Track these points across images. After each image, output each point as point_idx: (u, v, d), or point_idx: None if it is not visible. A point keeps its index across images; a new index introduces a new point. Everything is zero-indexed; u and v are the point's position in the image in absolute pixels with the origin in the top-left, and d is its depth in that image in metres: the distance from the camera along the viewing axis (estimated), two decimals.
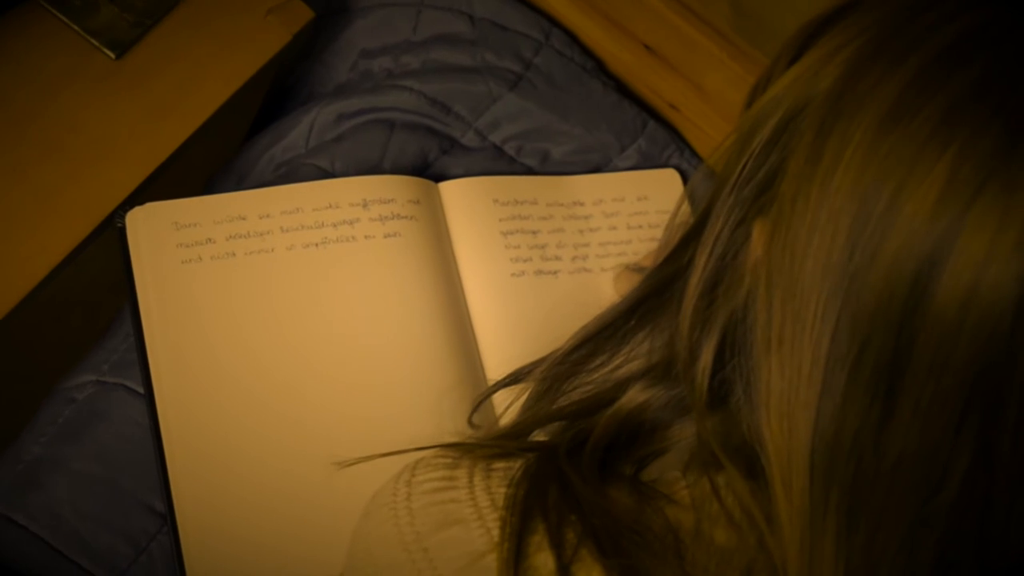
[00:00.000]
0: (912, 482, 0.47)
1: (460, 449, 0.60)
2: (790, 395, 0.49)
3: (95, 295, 0.97)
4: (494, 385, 0.73)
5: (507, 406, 0.72)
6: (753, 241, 0.54)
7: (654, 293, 0.61)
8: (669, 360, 0.59)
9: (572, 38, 1.06)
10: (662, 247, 0.65)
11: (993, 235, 0.44)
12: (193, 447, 0.81)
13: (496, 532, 0.54)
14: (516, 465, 0.57)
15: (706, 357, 0.55)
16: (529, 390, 0.68)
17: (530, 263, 0.94)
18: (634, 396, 0.60)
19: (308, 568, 0.79)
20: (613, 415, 0.60)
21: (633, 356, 0.62)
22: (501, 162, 1.00)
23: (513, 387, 0.71)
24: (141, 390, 0.85)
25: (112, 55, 0.93)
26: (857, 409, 0.47)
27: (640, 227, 0.99)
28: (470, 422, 0.80)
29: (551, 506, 0.54)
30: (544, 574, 0.52)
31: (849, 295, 0.46)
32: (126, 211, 0.87)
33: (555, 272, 0.94)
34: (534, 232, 0.95)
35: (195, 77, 0.95)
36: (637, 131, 1.03)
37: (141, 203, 0.88)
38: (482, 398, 0.76)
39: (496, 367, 0.87)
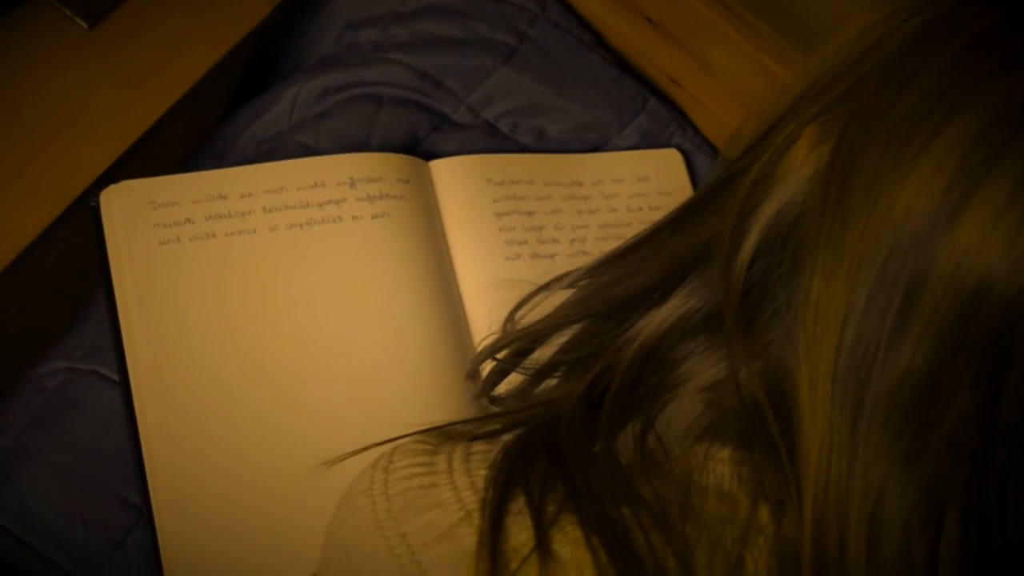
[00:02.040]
0: (910, 406, 0.49)
1: (440, 435, 0.61)
2: (826, 297, 0.51)
3: (67, 280, 0.97)
4: (523, 299, 0.73)
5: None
6: (803, 145, 0.56)
7: (707, 195, 0.63)
8: (706, 265, 0.60)
9: (569, 9, 1.07)
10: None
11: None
12: (170, 437, 0.82)
13: (476, 515, 0.55)
14: (496, 447, 0.59)
15: (746, 250, 0.57)
16: (561, 302, 0.69)
17: (526, 246, 0.94)
18: (668, 312, 0.62)
19: (290, 561, 0.79)
20: (641, 344, 0.62)
21: (665, 269, 0.63)
22: (495, 139, 1.01)
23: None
24: (116, 377, 0.85)
25: (85, 25, 0.93)
26: (876, 315, 0.49)
27: (640, 209, 1.00)
28: (470, 378, 0.80)
29: (534, 479, 0.56)
30: (520, 542, 0.53)
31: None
32: (100, 190, 0.87)
33: (552, 256, 0.95)
34: (530, 213, 0.96)
35: (172, 49, 0.96)
36: (638, 108, 1.04)
37: (116, 181, 0.88)
38: (505, 341, 0.75)
39: (478, 344, 0.87)
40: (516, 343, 0.72)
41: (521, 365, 0.72)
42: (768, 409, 0.55)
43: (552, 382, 0.69)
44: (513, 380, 0.74)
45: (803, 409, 0.52)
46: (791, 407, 0.54)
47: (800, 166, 0.56)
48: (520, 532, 0.54)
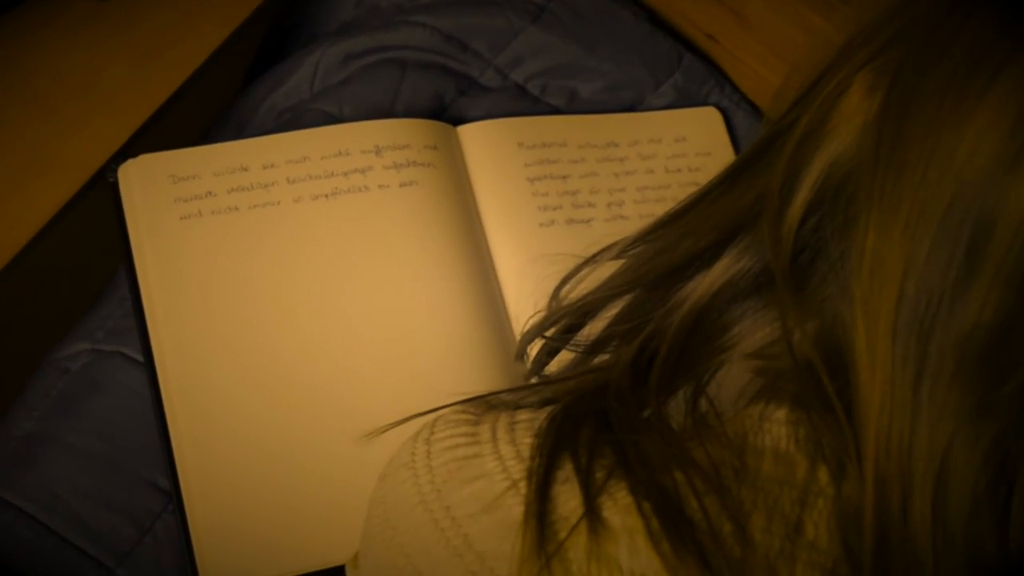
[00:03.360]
0: (979, 360, 0.48)
1: (482, 404, 0.61)
2: (883, 250, 0.50)
3: (86, 260, 0.97)
4: (569, 273, 0.73)
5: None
6: (855, 92, 0.55)
7: (757, 152, 0.62)
8: (756, 224, 0.60)
9: None
10: None
11: None
12: (198, 418, 0.82)
13: (522, 484, 0.54)
14: (541, 415, 0.58)
15: (796, 206, 0.56)
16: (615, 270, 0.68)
17: (560, 211, 0.94)
18: (717, 274, 0.61)
19: (331, 542, 0.79)
20: (691, 308, 0.61)
21: (716, 231, 0.62)
22: (524, 102, 1.00)
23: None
24: (140, 358, 0.85)
25: None
26: (939, 267, 0.48)
27: (679, 171, 0.99)
28: (519, 358, 0.80)
29: (581, 445, 0.55)
30: (569, 510, 0.53)
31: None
32: (118, 164, 0.87)
33: (588, 220, 0.94)
34: (564, 177, 0.95)
35: (187, 18, 0.96)
36: (672, 65, 1.03)
37: (134, 156, 0.88)
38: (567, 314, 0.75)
39: (524, 324, 0.86)
40: (565, 319, 0.72)
41: (572, 341, 0.71)
42: (823, 369, 0.54)
43: (603, 357, 0.69)
44: (563, 357, 0.73)
45: (861, 367, 0.52)
46: (848, 366, 0.53)
47: (853, 115, 0.55)
48: (568, 500, 0.53)
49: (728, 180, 0.63)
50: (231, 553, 0.80)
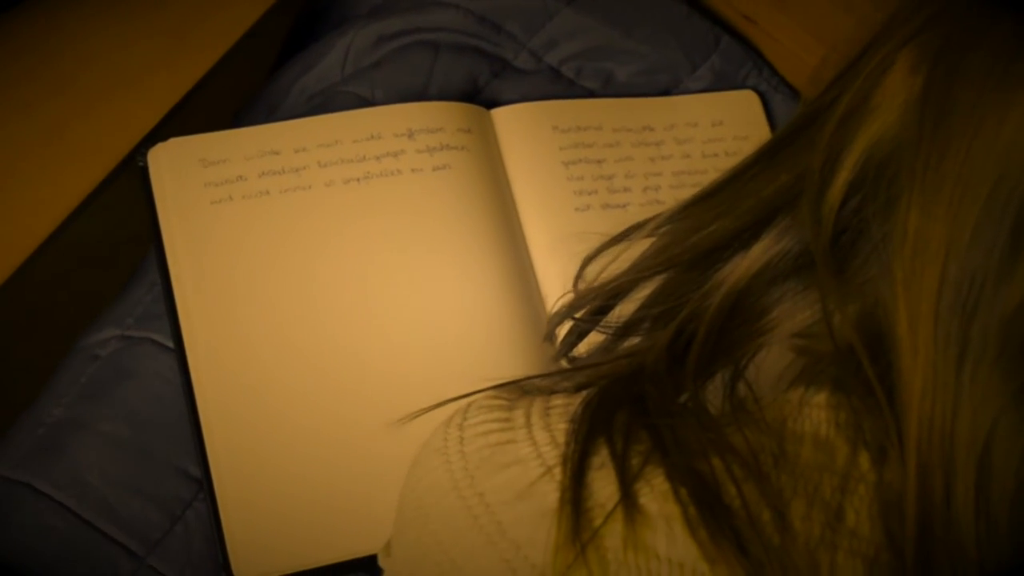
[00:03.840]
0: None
1: (516, 390, 0.61)
2: (926, 230, 0.50)
3: (115, 246, 0.97)
4: (594, 251, 0.72)
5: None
6: (899, 69, 0.55)
7: (796, 128, 0.61)
8: (796, 204, 0.59)
9: None
10: None
11: None
12: (230, 404, 0.82)
13: (557, 470, 0.54)
14: (576, 400, 0.58)
15: (838, 186, 0.56)
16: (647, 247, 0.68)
17: (596, 196, 0.93)
18: (756, 256, 0.60)
19: (363, 531, 0.79)
20: (729, 290, 0.61)
21: (753, 211, 0.62)
22: (559, 85, 1.00)
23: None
24: (170, 344, 0.85)
25: None
26: (983, 247, 0.48)
27: (716, 155, 0.99)
28: (547, 339, 0.80)
29: (617, 430, 0.55)
30: (605, 496, 0.52)
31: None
32: (147, 149, 0.87)
33: (624, 206, 0.94)
34: (599, 161, 0.95)
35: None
36: (710, 48, 1.02)
37: (163, 139, 0.88)
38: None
39: (553, 304, 0.86)
40: (595, 300, 0.71)
41: (602, 323, 0.71)
42: (864, 352, 0.54)
43: (635, 340, 0.68)
44: (593, 340, 0.73)
45: (903, 350, 0.51)
46: (889, 349, 0.52)
47: (896, 93, 0.55)
48: (604, 487, 0.53)
49: (765, 159, 0.63)
50: (263, 542, 0.80)
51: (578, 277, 0.74)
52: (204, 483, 0.80)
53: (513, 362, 0.84)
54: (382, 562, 0.66)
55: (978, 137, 0.49)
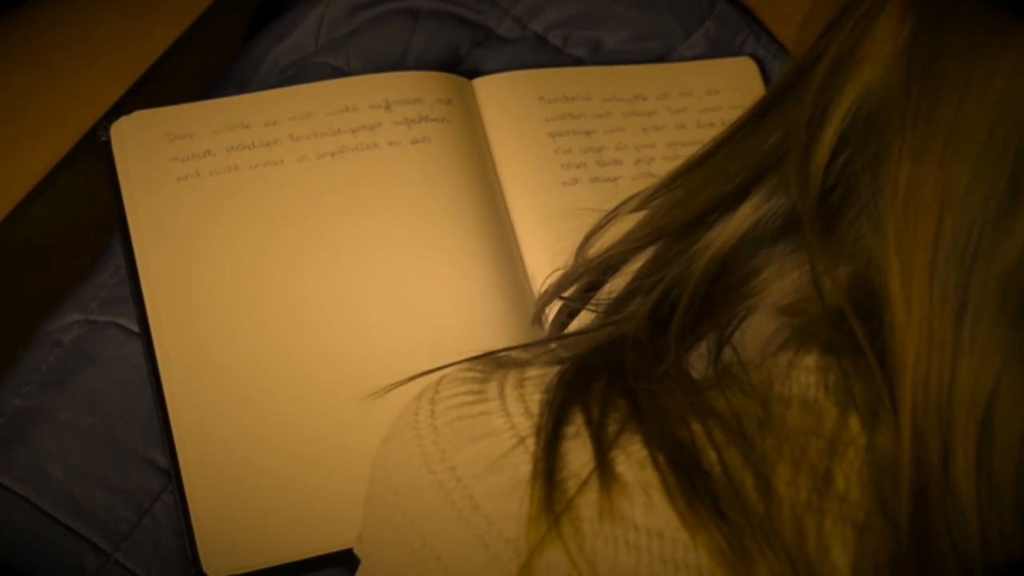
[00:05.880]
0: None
1: (491, 362, 0.61)
2: (918, 182, 0.50)
3: (78, 235, 0.97)
4: (592, 229, 0.72)
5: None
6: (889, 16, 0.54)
7: (784, 86, 0.61)
8: (784, 163, 0.59)
9: None
10: None
11: None
12: (198, 391, 0.81)
13: (531, 440, 0.54)
14: (552, 371, 0.58)
15: (825, 142, 0.55)
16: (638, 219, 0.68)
17: (584, 169, 0.93)
18: (743, 217, 0.60)
19: (336, 515, 0.78)
20: (715, 253, 0.60)
21: (743, 173, 0.61)
22: (545, 54, 0.99)
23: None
24: (135, 328, 0.85)
25: None
26: (979, 197, 0.48)
27: (712, 125, 0.99)
28: (536, 322, 0.80)
29: (594, 397, 0.55)
30: (580, 466, 0.52)
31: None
32: (111, 122, 0.87)
33: (615, 179, 0.93)
34: (588, 133, 0.94)
35: None
36: (704, 12, 1.02)
37: (128, 113, 0.87)
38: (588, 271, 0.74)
39: (541, 285, 0.85)
40: (584, 277, 0.71)
41: (592, 301, 0.70)
42: (854, 313, 0.54)
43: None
44: (584, 320, 0.72)
45: (896, 308, 0.51)
46: (882, 308, 0.52)
47: (884, 41, 0.54)
48: (579, 456, 0.53)
49: (753, 119, 0.62)
50: (234, 536, 0.79)
51: (579, 253, 0.74)
52: (172, 474, 0.80)
53: (496, 341, 0.83)
54: (357, 550, 0.65)
55: (971, 83, 0.48)
